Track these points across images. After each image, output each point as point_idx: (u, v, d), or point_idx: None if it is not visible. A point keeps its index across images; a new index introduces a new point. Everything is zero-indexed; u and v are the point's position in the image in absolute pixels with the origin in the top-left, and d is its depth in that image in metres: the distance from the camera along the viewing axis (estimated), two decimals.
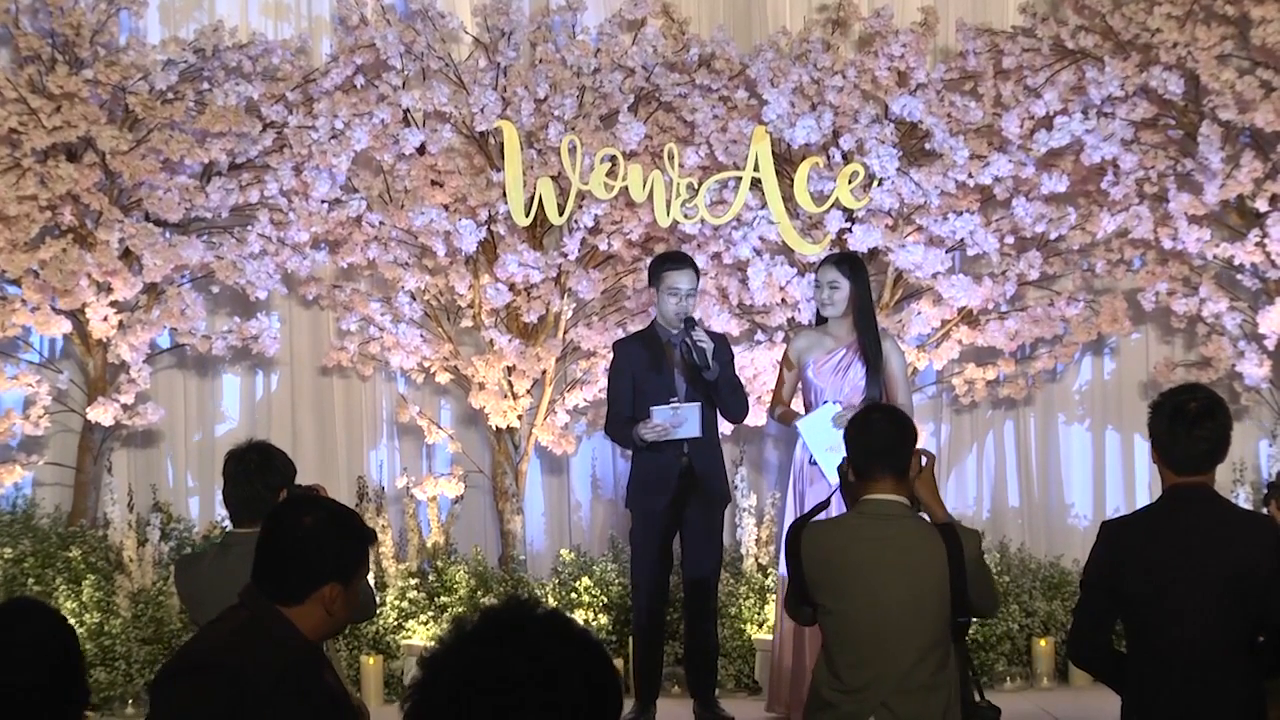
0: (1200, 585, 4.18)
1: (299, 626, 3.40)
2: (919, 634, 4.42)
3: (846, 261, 7.18)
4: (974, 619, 4.97)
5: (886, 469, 4.51)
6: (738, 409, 7.32)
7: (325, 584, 3.42)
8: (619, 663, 7.97)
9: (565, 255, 8.42)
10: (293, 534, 3.47)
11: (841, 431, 6.79)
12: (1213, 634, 4.17)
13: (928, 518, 4.64)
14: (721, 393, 7.12)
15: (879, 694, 4.41)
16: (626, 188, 8.14)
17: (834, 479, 6.73)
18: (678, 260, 7.26)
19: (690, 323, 7.06)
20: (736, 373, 7.49)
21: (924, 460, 4.61)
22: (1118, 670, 4.41)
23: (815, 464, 6.99)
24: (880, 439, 4.54)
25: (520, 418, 8.54)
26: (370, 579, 7.85)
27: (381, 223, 8.44)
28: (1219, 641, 4.17)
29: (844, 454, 6.82)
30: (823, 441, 6.89)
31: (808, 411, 7.13)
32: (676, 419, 6.96)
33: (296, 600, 3.42)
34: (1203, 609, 4.17)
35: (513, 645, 1.92)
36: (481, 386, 8.46)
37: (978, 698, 4.66)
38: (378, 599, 7.47)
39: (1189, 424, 4.35)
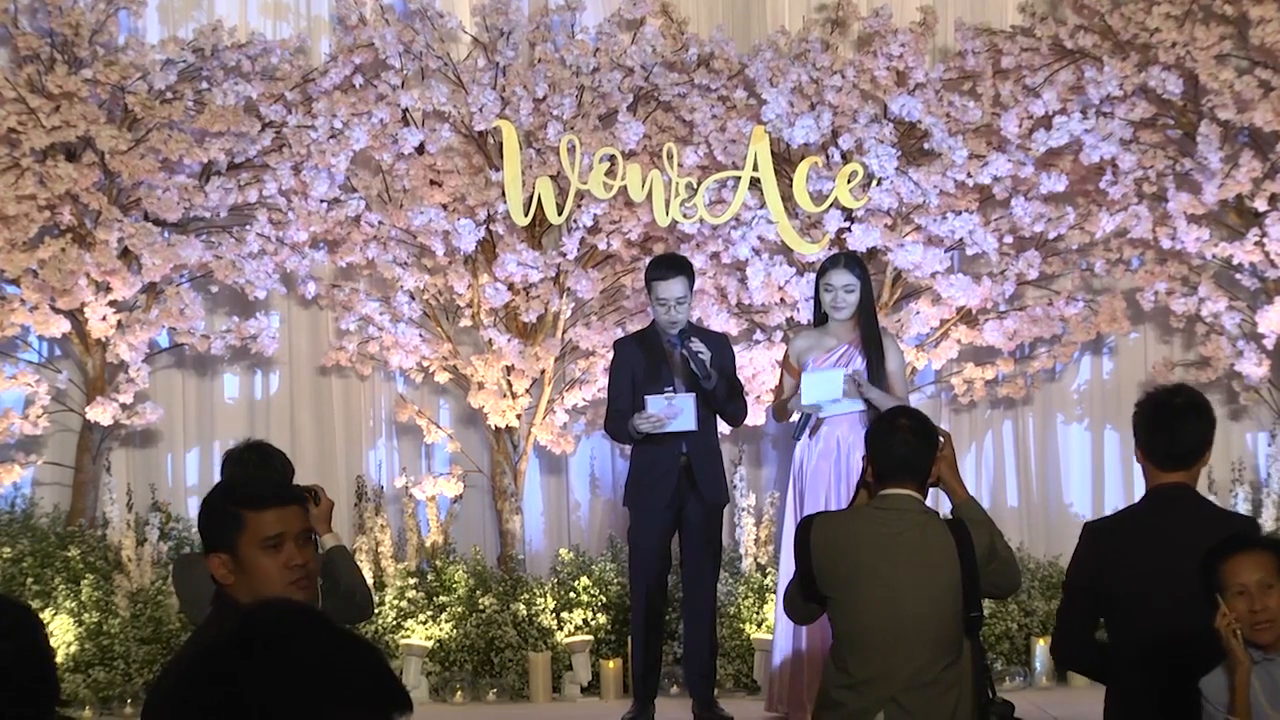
0: (1181, 584, 4.20)
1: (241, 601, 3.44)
2: (931, 630, 4.41)
3: (856, 263, 7.21)
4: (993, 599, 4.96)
5: (909, 477, 4.51)
6: (737, 415, 7.31)
7: (211, 555, 3.50)
8: (618, 663, 7.99)
9: (564, 255, 8.42)
10: None
11: (841, 391, 6.87)
12: (1193, 632, 4.19)
13: (947, 496, 4.64)
14: (720, 400, 7.11)
15: (889, 689, 4.39)
16: (625, 187, 8.13)
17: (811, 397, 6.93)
18: (665, 270, 7.11)
19: (685, 334, 7.04)
20: (737, 372, 7.49)
21: (940, 439, 4.60)
22: (1105, 663, 4.44)
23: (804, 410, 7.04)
24: (906, 449, 4.51)
25: (519, 417, 8.54)
26: (369, 578, 7.87)
27: (380, 222, 8.44)
28: (1200, 639, 4.19)
29: (833, 402, 6.76)
30: (819, 395, 6.94)
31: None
32: (671, 409, 6.95)
33: (214, 579, 3.54)
34: (1184, 608, 4.19)
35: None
36: (480, 386, 8.47)
37: (991, 694, 4.65)
38: (376, 598, 7.48)
39: (1171, 419, 4.41)
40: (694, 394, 7.00)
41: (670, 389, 7.01)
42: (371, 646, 1.91)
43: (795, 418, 7.16)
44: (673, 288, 7.02)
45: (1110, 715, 4.44)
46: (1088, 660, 4.57)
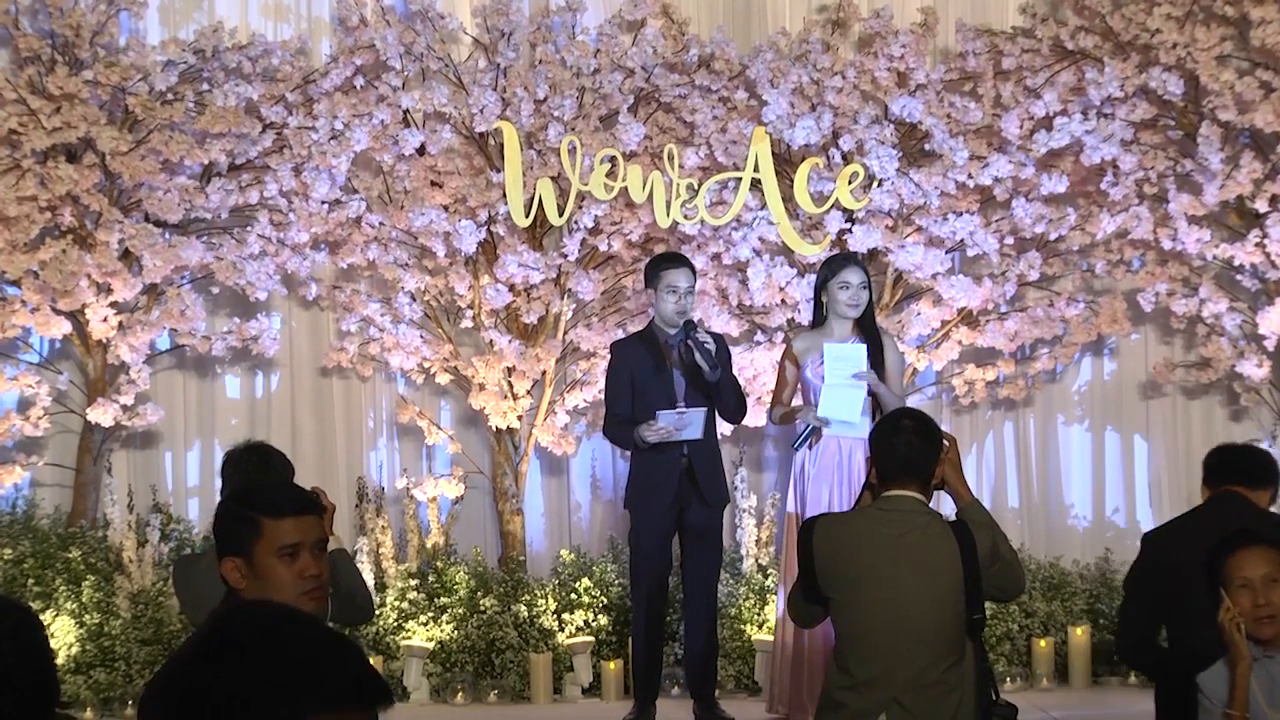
0: None
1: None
2: (934, 631, 4.41)
3: (863, 261, 7.26)
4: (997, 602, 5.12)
5: (912, 479, 4.52)
6: (737, 410, 7.32)
7: (224, 559, 3.54)
8: (619, 664, 7.98)
9: (565, 256, 8.42)
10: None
11: (859, 413, 6.87)
12: None
13: (952, 499, 4.64)
14: (723, 394, 7.12)
15: (890, 690, 4.39)
16: (626, 188, 8.14)
17: (828, 411, 6.92)
18: (675, 259, 7.29)
19: (690, 324, 7.06)
20: (735, 373, 7.50)
21: (945, 443, 4.60)
22: (1163, 663, 4.55)
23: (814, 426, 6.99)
24: (909, 449, 4.52)
25: (520, 418, 8.54)
26: (370, 579, 7.88)
27: (381, 223, 8.44)
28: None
29: (845, 424, 6.74)
30: (837, 411, 6.92)
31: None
32: (681, 422, 6.97)
33: (225, 582, 3.57)
34: None
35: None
36: (481, 387, 8.47)
37: (995, 696, 4.65)
38: (376, 600, 7.48)
39: (1236, 451, 5.05)
40: (704, 408, 7.01)
41: (681, 403, 7.02)
42: (353, 644, 1.93)
43: (798, 422, 7.16)
44: (683, 275, 7.10)
45: (1163, 713, 4.51)
46: (1148, 660, 4.74)
